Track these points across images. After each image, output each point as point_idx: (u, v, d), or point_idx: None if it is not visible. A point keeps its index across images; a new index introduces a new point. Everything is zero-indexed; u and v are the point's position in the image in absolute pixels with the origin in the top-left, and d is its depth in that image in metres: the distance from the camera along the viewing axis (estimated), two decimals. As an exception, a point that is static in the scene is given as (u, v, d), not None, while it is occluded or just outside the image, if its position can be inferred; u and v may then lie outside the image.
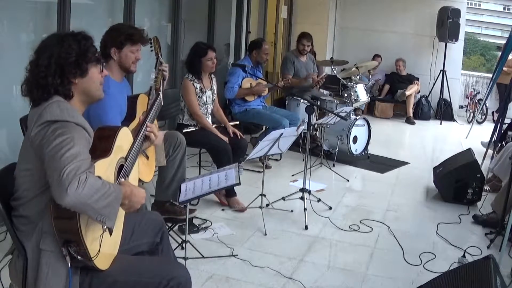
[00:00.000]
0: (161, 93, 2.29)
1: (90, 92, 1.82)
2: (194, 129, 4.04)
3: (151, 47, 2.92)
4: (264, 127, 5.33)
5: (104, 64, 1.91)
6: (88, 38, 1.83)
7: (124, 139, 1.84)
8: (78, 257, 1.64)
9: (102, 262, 1.73)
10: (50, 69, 1.71)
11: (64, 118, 1.63)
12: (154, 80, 2.40)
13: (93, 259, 1.66)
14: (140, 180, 2.59)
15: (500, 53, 7.75)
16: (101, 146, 1.72)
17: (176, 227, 3.43)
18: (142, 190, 1.83)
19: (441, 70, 8.50)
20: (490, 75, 8.38)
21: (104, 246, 1.71)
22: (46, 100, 1.70)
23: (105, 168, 1.68)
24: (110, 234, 1.78)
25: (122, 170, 1.81)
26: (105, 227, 1.72)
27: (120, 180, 1.78)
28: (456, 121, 8.72)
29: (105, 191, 1.56)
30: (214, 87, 4.22)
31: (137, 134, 2.02)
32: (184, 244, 2.94)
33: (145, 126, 2.08)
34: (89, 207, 1.53)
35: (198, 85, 4.02)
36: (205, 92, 4.07)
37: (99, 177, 1.57)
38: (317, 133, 5.76)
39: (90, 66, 1.80)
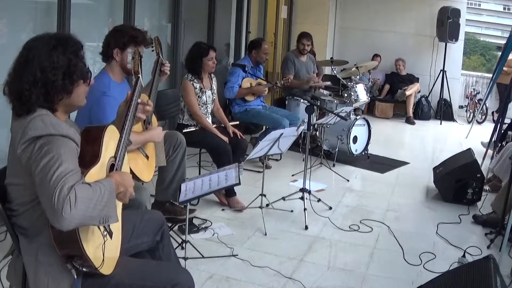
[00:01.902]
0: (140, 75, 2.14)
1: (73, 105, 1.77)
2: (194, 129, 4.04)
3: (152, 47, 2.93)
4: (264, 127, 5.33)
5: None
6: (78, 51, 1.73)
7: (111, 137, 1.80)
8: (84, 269, 1.64)
9: (106, 268, 1.72)
10: (35, 87, 1.63)
11: (49, 132, 1.58)
12: (131, 63, 2.22)
13: (98, 268, 1.65)
14: (140, 180, 2.59)
15: (500, 53, 7.76)
16: (90, 151, 1.69)
17: (176, 227, 3.44)
18: (126, 172, 1.79)
19: (441, 70, 8.50)
20: (490, 75, 8.38)
21: (106, 251, 1.71)
22: (28, 113, 1.63)
23: (97, 174, 1.66)
24: (111, 237, 1.78)
25: (113, 169, 1.79)
26: (106, 226, 1.72)
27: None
28: (456, 121, 8.72)
29: (98, 195, 1.53)
30: (214, 86, 4.22)
31: (124, 123, 1.92)
32: (184, 244, 2.94)
33: (132, 110, 1.95)
34: (90, 218, 1.51)
35: (197, 85, 4.02)
36: (205, 92, 4.07)
37: (88, 184, 1.53)
38: (317, 133, 5.76)
39: (77, 84, 1.73)
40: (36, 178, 1.53)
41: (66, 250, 1.60)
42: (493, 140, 5.66)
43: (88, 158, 1.67)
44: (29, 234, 1.68)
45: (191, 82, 4.00)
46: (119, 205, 1.80)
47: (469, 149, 4.69)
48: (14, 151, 1.62)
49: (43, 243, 1.64)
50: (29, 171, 1.57)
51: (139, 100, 2.00)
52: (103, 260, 1.68)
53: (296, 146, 5.34)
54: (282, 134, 3.60)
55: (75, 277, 1.64)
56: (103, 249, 1.69)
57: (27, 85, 1.64)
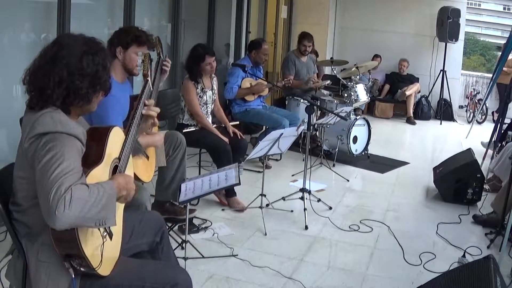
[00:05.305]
0: (149, 78, 2.13)
1: (86, 111, 1.80)
2: (194, 129, 4.04)
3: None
4: (264, 127, 5.33)
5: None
6: (106, 63, 1.76)
7: (116, 139, 1.80)
8: (81, 269, 1.64)
9: (105, 268, 1.72)
10: (59, 88, 1.66)
11: (56, 129, 1.59)
12: (141, 65, 2.21)
13: (96, 269, 1.65)
14: (140, 180, 2.59)
15: (500, 53, 7.76)
16: (94, 151, 1.69)
17: (176, 227, 3.44)
18: (130, 175, 1.80)
19: (441, 70, 8.50)
20: (490, 75, 8.38)
21: (105, 252, 1.71)
22: (41, 108, 1.65)
23: (100, 174, 1.66)
24: (111, 238, 1.77)
25: (116, 171, 1.79)
26: (106, 228, 1.71)
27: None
28: (456, 121, 8.72)
29: (95, 198, 1.52)
30: (215, 86, 4.21)
31: (130, 124, 1.94)
32: (184, 244, 2.94)
33: (139, 111, 1.97)
34: (84, 219, 1.51)
35: (199, 85, 4.02)
36: (206, 92, 4.07)
37: (86, 185, 1.53)
38: (317, 133, 5.76)
39: (97, 94, 1.76)
40: (37, 174, 1.54)
41: (64, 249, 1.60)
42: (493, 140, 5.66)
43: (91, 158, 1.68)
44: (32, 233, 1.68)
45: (193, 82, 4.00)
46: (120, 208, 1.80)
47: (469, 149, 4.69)
48: (21, 144, 1.64)
49: (44, 243, 1.65)
50: (33, 166, 1.58)
51: (146, 102, 2.00)
52: (101, 261, 1.68)
53: (296, 146, 5.33)
54: (282, 134, 3.60)
55: (73, 276, 1.64)
56: (102, 250, 1.69)
57: (52, 84, 1.65)
